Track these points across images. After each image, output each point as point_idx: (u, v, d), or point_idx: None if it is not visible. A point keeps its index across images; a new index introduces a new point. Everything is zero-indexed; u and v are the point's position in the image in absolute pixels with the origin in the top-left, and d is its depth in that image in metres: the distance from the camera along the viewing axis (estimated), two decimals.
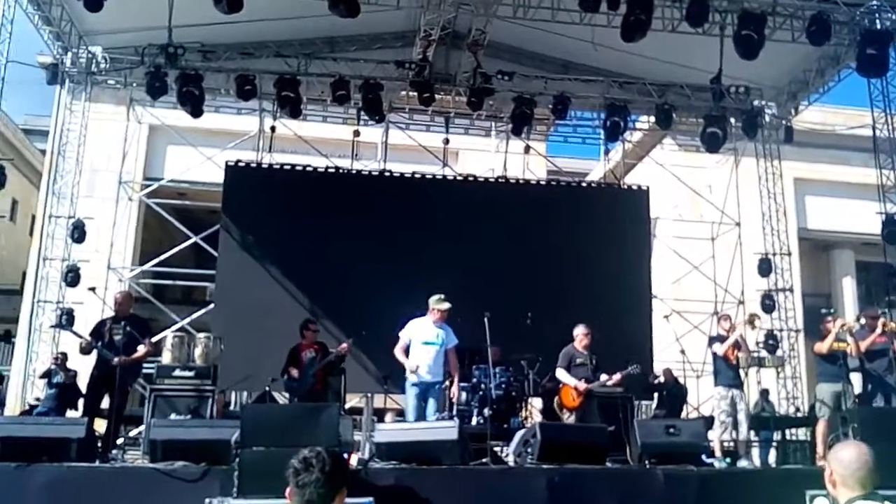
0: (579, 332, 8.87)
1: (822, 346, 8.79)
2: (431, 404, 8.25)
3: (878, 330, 8.85)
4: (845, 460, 2.98)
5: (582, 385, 8.57)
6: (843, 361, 8.69)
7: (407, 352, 8.41)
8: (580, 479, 6.42)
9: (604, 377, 8.77)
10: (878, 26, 11.42)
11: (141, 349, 8.29)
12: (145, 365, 9.04)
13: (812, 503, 5.48)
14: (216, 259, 13.75)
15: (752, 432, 12.52)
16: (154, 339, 9.00)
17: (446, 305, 8.35)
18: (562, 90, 13.83)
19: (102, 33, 13.04)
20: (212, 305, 13.77)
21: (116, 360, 7.95)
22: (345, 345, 9.32)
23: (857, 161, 18.90)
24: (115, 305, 8.79)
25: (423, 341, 8.37)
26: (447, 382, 8.44)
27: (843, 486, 2.95)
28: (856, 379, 9.07)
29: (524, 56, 14.46)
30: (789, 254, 15.66)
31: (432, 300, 8.41)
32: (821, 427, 8.71)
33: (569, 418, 8.66)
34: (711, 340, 9.44)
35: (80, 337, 8.47)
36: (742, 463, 8.80)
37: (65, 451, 6.35)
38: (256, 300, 12.95)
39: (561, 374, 8.79)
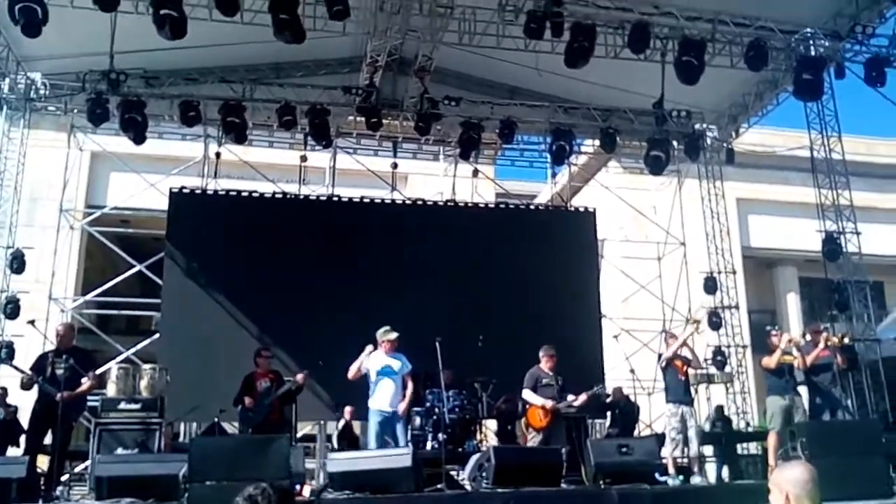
0: (544, 353, 8.93)
1: (770, 361, 8.99)
2: (398, 433, 8.25)
3: (822, 345, 9.08)
4: (798, 480, 3.03)
5: (549, 404, 8.62)
6: (790, 375, 8.89)
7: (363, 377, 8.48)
8: (536, 502, 6.41)
9: (570, 397, 8.84)
10: (813, 52, 11.80)
11: (85, 383, 8.09)
12: (90, 398, 8.79)
13: None
14: (161, 287, 13.49)
15: (711, 447, 12.71)
16: (98, 372, 8.77)
17: (394, 335, 8.53)
18: (508, 115, 14.01)
19: (42, 59, 12.75)
20: (157, 335, 13.46)
21: (59, 395, 7.72)
22: (300, 375, 9.19)
23: (796, 181, 19.39)
24: (57, 338, 8.55)
25: (380, 372, 8.44)
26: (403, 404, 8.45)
27: None
28: (803, 392, 9.25)
29: (471, 82, 14.59)
30: (734, 272, 15.97)
31: (379, 333, 8.55)
32: (772, 439, 8.85)
33: (535, 438, 8.69)
34: (661, 359, 9.55)
35: (21, 371, 8.21)
36: (695, 479, 8.89)
37: (5, 492, 6.15)
38: (203, 329, 12.71)
39: (528, 394, 8.85)
